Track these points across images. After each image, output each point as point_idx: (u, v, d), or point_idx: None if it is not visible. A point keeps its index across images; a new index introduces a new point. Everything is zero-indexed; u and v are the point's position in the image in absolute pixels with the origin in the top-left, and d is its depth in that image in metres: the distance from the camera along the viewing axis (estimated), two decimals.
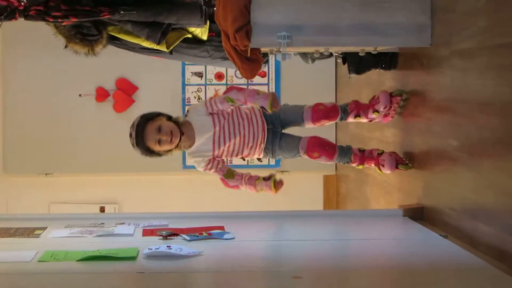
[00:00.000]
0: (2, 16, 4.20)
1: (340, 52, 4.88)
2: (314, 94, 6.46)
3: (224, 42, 4.27)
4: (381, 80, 5.00)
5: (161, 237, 3.45)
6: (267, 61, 5.03)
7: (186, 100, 7.24)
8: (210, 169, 4.03)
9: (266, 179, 3.96)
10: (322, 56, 4.99)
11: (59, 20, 4.29)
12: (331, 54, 4.99)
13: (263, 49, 4.34)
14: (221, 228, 3.57)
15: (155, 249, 3.17)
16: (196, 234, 3.49)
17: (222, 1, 4.06)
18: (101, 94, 7.15)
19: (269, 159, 6.26)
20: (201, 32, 4.75)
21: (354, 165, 4.23)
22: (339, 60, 5.18)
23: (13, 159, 7.24)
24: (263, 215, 4.07)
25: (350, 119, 4.33)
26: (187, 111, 4.18)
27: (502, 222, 2.99)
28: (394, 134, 4.59)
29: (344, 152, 4.17)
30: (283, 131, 4.22)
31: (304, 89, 6.87)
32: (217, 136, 3.92)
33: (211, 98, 4.13)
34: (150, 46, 4.65)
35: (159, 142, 3.75)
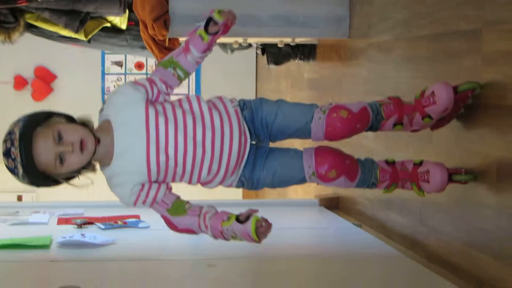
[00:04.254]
0: None
1: (260, 43, 4.89)
2: (234, 85, 6.51)
3: (142, 31, 4.24)
4: (300, 71, 5.05)
5: (75, 226, 3.42)
6: None
7: (105, 90, 7.17)
8: (145, 200, 2.14)
9: (241, 220, 2.09)
10: (241, 47, 5.02)
11: None
12: (250, 45, 5.00)
13: (182, 39, 4.28)
14: (137, 216, 3.52)
15: (69, 237, 3.16)
16: (111, 222, 3.48)
17: None
18: (19, 83, 7.08)
19: None
20: (120, 21, 4.71)
21: (381, 188, 2.38)
22: (259, 51, 5.20)
23: None
24: None
25: (387, 129, 2.37)
26: (104, 102, 2.26)
27: (414, 212, 3.04)
28: None
29: (368, 168, 2.34)
30: (271, 145, 2.37)
31: (224, 80, 6.92)
32: (154, 146, 2.10)
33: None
34: (69, 35, 4.58)
35: (61, 158, 2.05)
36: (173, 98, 2.33)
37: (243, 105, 2.31)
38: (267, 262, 2.96)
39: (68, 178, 2.17)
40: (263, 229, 2.06)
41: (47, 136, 2.07)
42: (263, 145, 2.32)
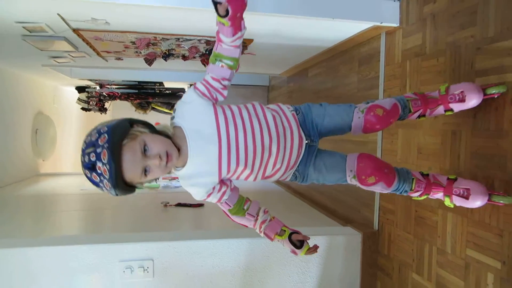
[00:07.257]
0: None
1: None
2: None
3: None
4: None
5: (168, 180, 3.90)
6: None
7: None
8: (212, 200, 1.34)
9: (295, 243, 1.39)
10: None
11: (133, 100, 4.96)
12: None
13: None
14: None
15: (164, 184, 3.68)
16: None
17: None
18: None
19: None
20: None
21: (415, 195, 1.47)
22: None
23: None
24: None
25: (412, 118, 1.49)
26: (174, 110, 1.29)
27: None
28: None
29: (404, 177, 1.45)
30: (319, 146, 1.39)
31: None
32: (226, 151, 1.24)
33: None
34: (167, 111, 5.41)
35: (146, 170, 1.17)
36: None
37: (296, 110, 1.42)
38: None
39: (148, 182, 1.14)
40: (309, 253, 1.38)
41: (135, 149, 1.14)
42: (314, 144, 1.41)
